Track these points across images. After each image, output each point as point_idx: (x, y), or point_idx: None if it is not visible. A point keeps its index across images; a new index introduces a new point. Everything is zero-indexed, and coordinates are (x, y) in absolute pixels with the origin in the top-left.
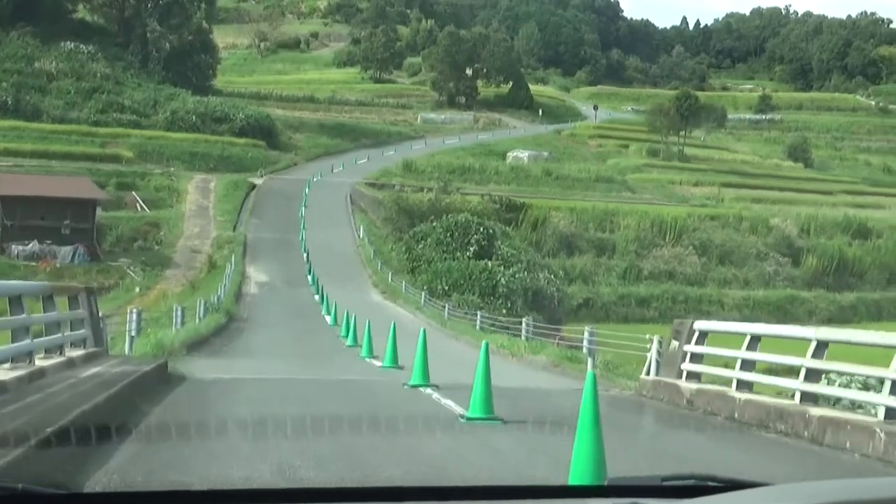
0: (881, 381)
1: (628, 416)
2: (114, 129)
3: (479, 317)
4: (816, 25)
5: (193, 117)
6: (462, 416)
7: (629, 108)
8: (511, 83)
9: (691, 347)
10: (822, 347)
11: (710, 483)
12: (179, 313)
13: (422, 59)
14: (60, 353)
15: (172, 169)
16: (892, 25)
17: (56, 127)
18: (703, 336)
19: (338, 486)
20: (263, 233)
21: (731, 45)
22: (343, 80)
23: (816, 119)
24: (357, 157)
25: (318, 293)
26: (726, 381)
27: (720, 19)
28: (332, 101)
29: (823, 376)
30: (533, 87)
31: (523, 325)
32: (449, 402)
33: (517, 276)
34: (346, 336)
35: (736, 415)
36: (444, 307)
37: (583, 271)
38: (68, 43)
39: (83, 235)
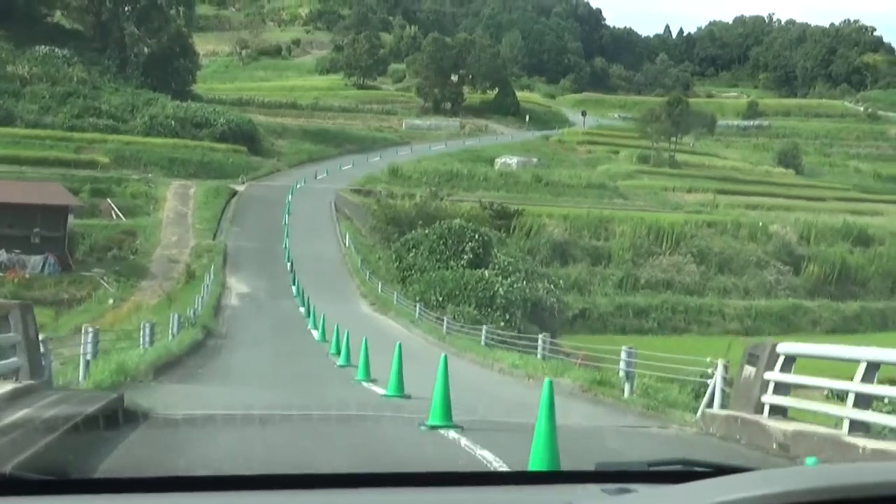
0: None
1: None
2: (89, 133)
3: (483, 331)
4: (800, 33)
5: (172, 122)
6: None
7: (616, 115)
8: (497, 89)
9: (775, 375)
10: None
11: (697, 468)
12: (148, 331)
13: (406, 66)
14: None
15: (150, 175)
16: (875, 33)
17: (29, 132)
18: (790, 361)
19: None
20: (245, 241)
21: (714, 53)
22: (326, 86)
23: (805, 125)
24: (341, 164)
25: (303, 305)
26: (823, 420)
27: (703, 27)
28: (316, 108)
29: None
30: (518, 94)
31: (539, 342)
32: (485, 454)
33: (516, 286)
34: (337, 353)
35: None
36: (443, 320)
37: (577, 280)
38: (43, 47)
39: (54, 244)
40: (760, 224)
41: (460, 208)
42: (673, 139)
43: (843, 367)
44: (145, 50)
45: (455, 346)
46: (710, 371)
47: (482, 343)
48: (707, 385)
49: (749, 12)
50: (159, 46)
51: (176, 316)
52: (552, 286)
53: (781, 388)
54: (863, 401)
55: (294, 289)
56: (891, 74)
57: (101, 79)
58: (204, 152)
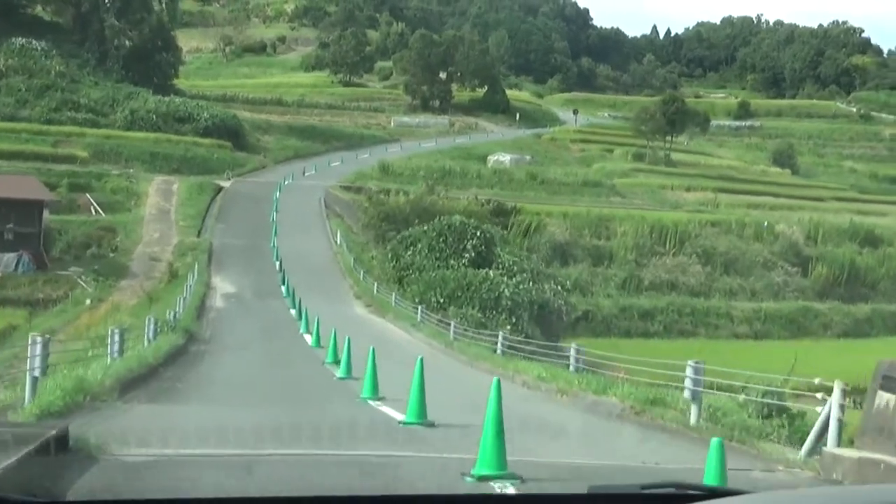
0: None
1: None
2: (68, 127)
3: (500, 338)
4: (788, 35)
5: (154, 117)
6: None
7: (606, 115)
8: (486, 87)
9: None
10: None
11: (690, 491)
12: (117, 338)
13: (393, 63)
14: None
15: (131, 170)
16: (863, 35)
17: (4, 125)
18: None
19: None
20: (231, 239)
21: (701, 54)
22: (312, 83)
23: (797, 126)
24: (330, 160)
25: (294, 307)
26: None
27: (690, 28)
28: (302, 105)
29: None
30: (508, 92)
31: (572, 352)
32: None
33: (522, 287)
34: (334, 363)
35: None
36: (450, 324)
37: (579, 281)
38: (20, 39)
39: (28, 241)
40: (766, 223)
41: (457, 204)
42: (668, 138)
43: None
44: (126, 43)
45: (466, 354)
46: (819, 396)
47: (497, 351)
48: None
49: (737, 13)
50: (141, 39)
51: (152, 320)
52: (559, 287)
53: None
54: None
55: (283, 288)
56: (879, 76)
57: (81, 72)
58: (187, 147)
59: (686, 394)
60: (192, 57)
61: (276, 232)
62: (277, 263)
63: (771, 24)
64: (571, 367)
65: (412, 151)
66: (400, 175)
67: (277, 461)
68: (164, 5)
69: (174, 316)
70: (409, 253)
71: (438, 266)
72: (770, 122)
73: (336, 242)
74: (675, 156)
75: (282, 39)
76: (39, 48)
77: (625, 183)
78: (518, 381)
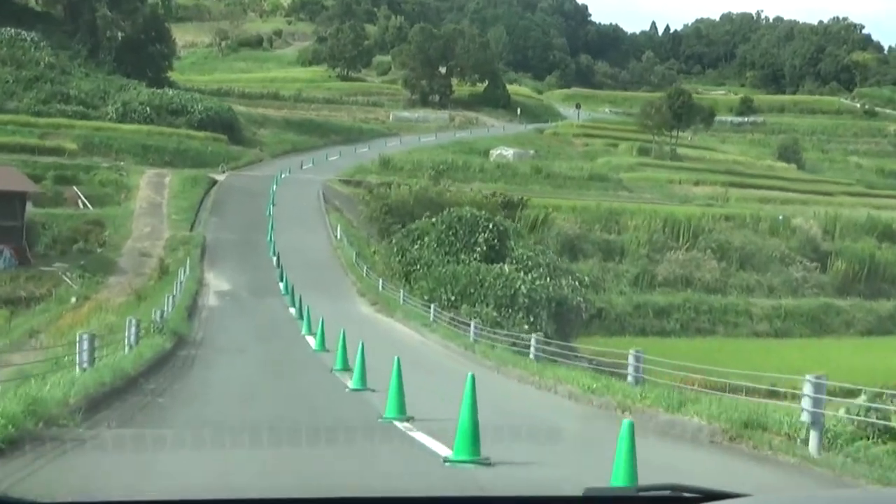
0: None
1: None
2: (56, 119)
3: (533, 342)
4: (788, 31)
5: (147, 109)
6: None
7: (606, 110)
8: (487, 81)
9: None
10: None
11: (686, 494)
12: (86, 344)
13: (392, 57)
14: None
15: (122, 163)
16: (864, 31)
17: None
18: None
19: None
20: (225, 233)
21: (700, 51)
22: (309, 78)
23: (800, 122)
24: (328, 154)
25: (293, 305)
26: None
27: (690, 25)
28: (298, 99)
29: None
30: (508, 87)
31: (630, 359)
32: None
33: (538, 283)
34: (344, 370)
35: None
36: (469, 325)
37: (590, 277)
38: (9, 29)
39: (10, 235)
40: (781, 217)
41: (464, 196)
42: (674, 132)
43: None
44: (119, 34)
45: (492, 359)
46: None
47: (530, 355)
48: None
49: (736, 9)
50: (134, 30)
51: (133, 321)
52: (576, 283)
53: None
54: None
55: (282, 285)
56: (880, 73)
57: (71, 63)
58: (180, 140)
59: (804, 416)
60: (188, 52)
61: (272, 226)
62: (275, 259)
63: (771, 20)
64: (630, 378)
65: (412, 146)
66: (401, 169)
67: None
68: None
69: (161, 316)
70: (417, 247)
71: (448, 261)
72: (773, 118)
73: (336, 237)
74: (680, 150)
75: (278, 34)
76: (29, 39)
77: (631, 177)
78: (561, 392)
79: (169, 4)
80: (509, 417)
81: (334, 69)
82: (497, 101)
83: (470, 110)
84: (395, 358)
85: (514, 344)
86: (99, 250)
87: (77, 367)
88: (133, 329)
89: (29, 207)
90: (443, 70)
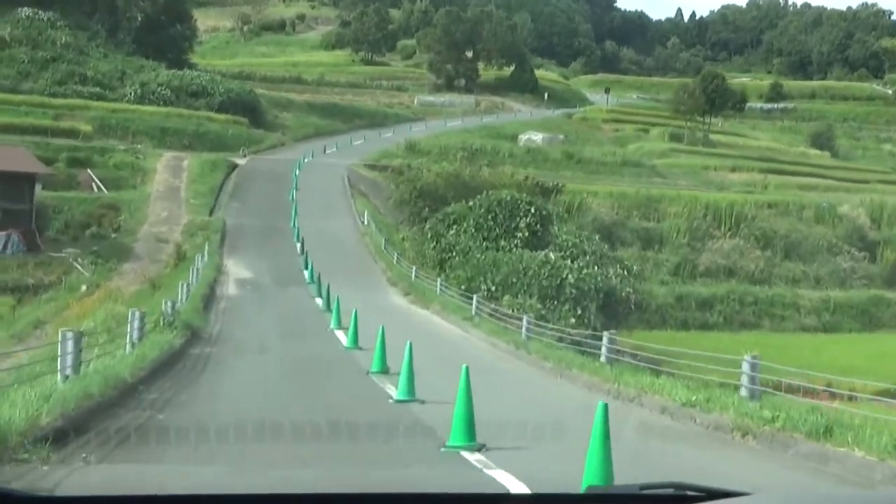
0: None
1: None
2: (71, 99)
3: (605, 341)
4: (815, 17)
5: (167, 91)
6: None
7: (634, 96)
8: (514, 66)
9: None
10: None
11: (689, 492)
12: (70, 345)
13: (417, 41)
14: None
15: (139, 146)
16: (893, 17)
17: (4, 97)
18: None
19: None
20: (246, 218)
21: (727, 38)
22: (332, 62)
23: (831, 108)
24: (352, 139)
25: (319, 295)
26: None
27: (716, 11)
28: (322, 83)
29: None
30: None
31: (745, 366)
32: None
33: (585, 271)
34: (381, 371)
35: None
36: (521, 320)
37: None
38: (25, 9)
39: (18, 219)
40: (824, 204)
41: (501, 178)
42: (706, 117)
43: None
44: (138, 15)
45: (549, 360)
46: None
47: (602, 357)
48: None
49: None
50: (154, 11)
51: (137, 314)
52: (624, 272)
53: None
54: None
55: (306, 274)
56: None
57: (89, 44)
58: (200, 122)
59: None
60: (209, 36)
61: (296, 211)
62: (299, 245)
63: (798, 6)
64: (743, 391)
65: (438, 130)
66: (427, 153)
67: None
68: None
69: (172, 307)
70: (452, 233)
71: (487, 248)
72: (803, 104)
73: (363, 223)
74: (712, 137)
75: (301, 18)
76: (46, 18)
77: (665, 163)
78: (650, 405)
79: None
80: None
81: (358, 53)
82: (524, 85)
83: (496, 95)
84: (463, 367)
85: (566, 341)
86: (113, 236)
87: (59, 374)
88: (136, 323)
89: (38, 190)
90: (469, 54)
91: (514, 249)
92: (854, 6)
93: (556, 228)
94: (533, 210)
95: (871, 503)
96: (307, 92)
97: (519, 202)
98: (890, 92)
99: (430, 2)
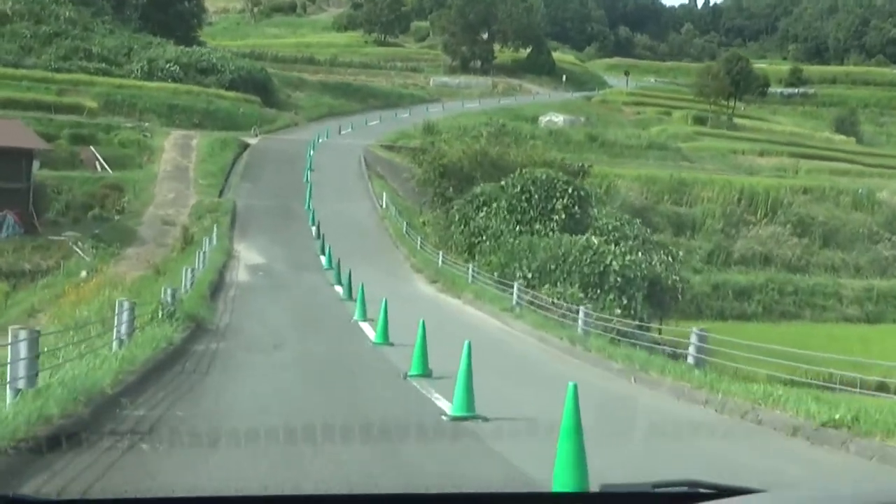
0: None
1: None
2: (76, 74)
3: (694, 337)
4: (831, 4)
5: (176, 68)
6: None
7: (652, 80)
8: (530, 47)
9: None
10: None
11: (702, 490)
12: (23, 351)
13: (431, 23)
14: None
15: (146, 123)
16: None
17: (5, 71)
18: None
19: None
20: (258, 200)
21: (741, 24)
22: (345, 43)
23: (852, 93)
24: (367, 119)
25: (338, 282)
26: None
27: None
28: (335, 63)
29: None
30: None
31: None
32: None
33: (629, 258)
34: (421, 374)
35: None
36: (579, 312)
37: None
38: None
39: (14, 198)
40: (861, 190)
41: (532, 156)
42: (731, 99)
43: None
44: None
45: (621, 361)
46: None
47: (689, 358)
48: None
49: None
50: None
51: (126, 306)
52: (669, 258)
53: None
54: None
55: (324, 259)
56: None
57: (95, 20)
58: (210, 100)
59: None
60: (219, 17)
61: (310, 193)
62: (314, 229)
63: None
64: None
65: (456, 111)
66: (446, 135)
67: None
68: None
69: (173, 295)
70: (482, 215)
71: (521, 231)
72: (823, 89)
73: (382, 205)
74: (736, 120)
75: None
76: None
77: (691, 146)
78: (770, 422)
79: None
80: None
81: (370, 34)
82: (541, 67)
83: (513, 77)
84: (571, 386)
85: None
86: (116, 218)
87: (7, 388)
88: (125, 317)
89: (36, 167)
90: (484, 35)
91: (551, 233)
92: None
93: (595, 211)
94: (570, 190)
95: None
96: (320, 72)
97: (556, 182)
98: None
99: None
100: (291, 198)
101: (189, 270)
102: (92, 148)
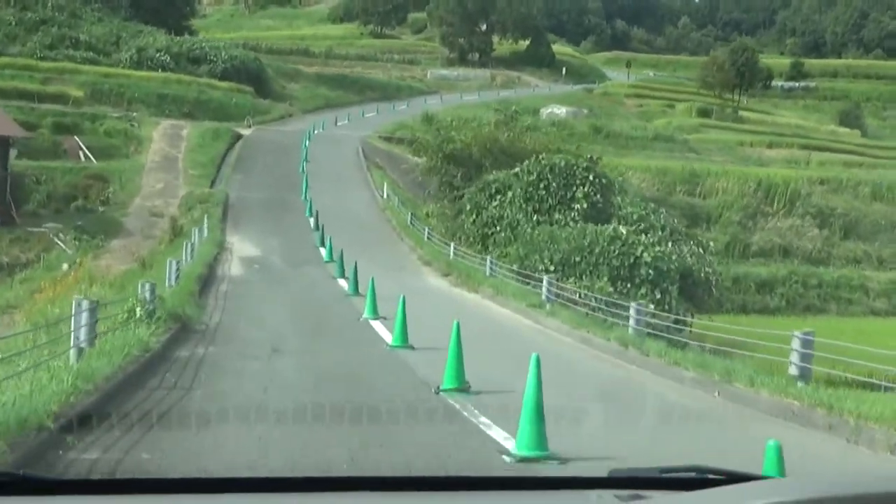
0: None
1: None
2: (61, 63)
3: (797, 340)
4: None
5: (166, 57)
6: None
7: (651, 73)
8: (529, 39)
9: None
10: None
11: (710, 475)
12: None
13: (428, 14)
14: None
15: (135, 113)
16: None
17: None
18: None
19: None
20: (252, 192)
21: (738, 17)
22: (340, 35)
23: (854, 87)
24: (364, 111)
25: (341, 275)
26: None
27: None
28: (330, 55)
29: None
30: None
31: None
32: None
33: (659, 249)
34: (457, 388)
35: None
36: (629, 311)
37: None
38: None
39: None
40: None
41: (544, 143)
42: (736, 91)
43: None
44: None
45: (693, 369)
46: None
47: (793, 369)
48: None
49: None
50: None
51: (85, 306)
52: (700, 250)
53: None
54: None
55: (324, 252)
56: None
57: (83, 8)
58: (201, 90)
59: None
60: (213, 10)
61: (307, 184)
62: (312, 220)
63: None
64: None
65: (455, 103)
66: (446, 127)
67: None
68: None
69: (152, 291)
70: (496, 204)
71: (539, 221)
72: (824, 83)
73: (383, 196)
74: (740, 113)
75: None
76: None
77: (697, 138)
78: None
79: None
80: None
81: (367, 27)
82: (541, 60)
83: (512, 69)
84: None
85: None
86: (101, 209)
87: None
88: (84, 319)
89: (12, 155)
90: (483, 27)
91: (572, 223)
92: None
93: (618, 199)
94: (591, 178)
95: None
96: (315, 64)
97: (575, 168)
98: None
99: None
100: (287, 189)
101: (174, 263)
102: (76, 137)
